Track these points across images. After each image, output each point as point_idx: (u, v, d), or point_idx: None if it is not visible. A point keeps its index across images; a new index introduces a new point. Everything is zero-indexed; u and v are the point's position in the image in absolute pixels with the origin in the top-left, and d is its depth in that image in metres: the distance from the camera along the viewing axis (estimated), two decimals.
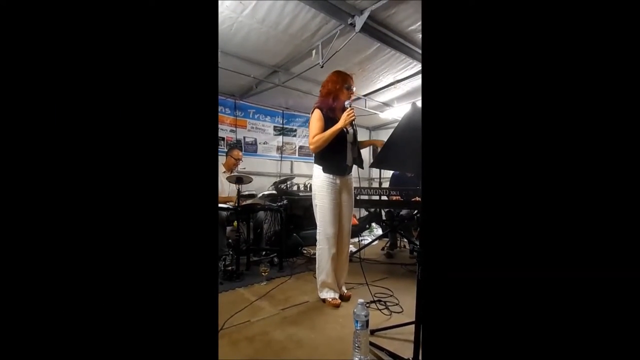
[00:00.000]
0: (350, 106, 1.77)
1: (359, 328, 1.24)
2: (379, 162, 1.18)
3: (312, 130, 1.81)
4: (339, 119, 1.77)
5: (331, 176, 1.83)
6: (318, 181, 1.84)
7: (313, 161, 1.92)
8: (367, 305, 1.83)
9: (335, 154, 1.83)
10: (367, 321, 1.26)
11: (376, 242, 3.56)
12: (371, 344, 1.34)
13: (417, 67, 2.99)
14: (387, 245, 3.40)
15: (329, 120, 1.80)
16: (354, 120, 1.76)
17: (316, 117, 1.82)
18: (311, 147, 1.83)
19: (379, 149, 3.02)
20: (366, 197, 2.89)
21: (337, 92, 1.84)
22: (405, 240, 3.54)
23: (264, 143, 4.13)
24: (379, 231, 4.25)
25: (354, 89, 1.87)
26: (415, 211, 3.22)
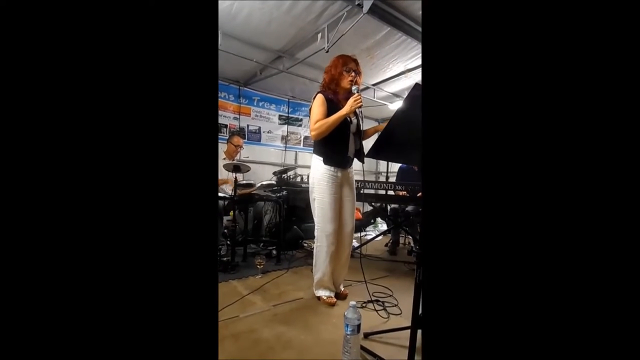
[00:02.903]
0: (357, 92, 1.61)
1: (349, 333, 1.14)
2: (377, 151, 1.05)
3: (314, 116, 1.65)
4: (341, 105, 1.62)
5: (332, 168, 1.69)
6: (317, 173, 1.71)
7: (312, 151, 1.80)
8: (364, 305, 1.74)
9: (337, 145, 1.69)
10: (359, 325, 1.16)
11: (380, 237, 3.45)
12: (363, 348, 1.24)
13: None
14: (391, 241, 3.28)
15: (332, 107, 1.65)
16: (360, 107, 1.60)
17: (319, 102, 1.66)
18: (312, 133, 1.66)
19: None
20: (372, 191, 2.77)
21: (339, 76, 1.68)
22: (409, 237, 3.41)
23: (268, 132, 4.03)
24: (383, 226, 4.14)
25: (356, 72, 1.70)
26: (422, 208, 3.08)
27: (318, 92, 1.70)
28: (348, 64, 1.69)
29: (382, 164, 5.20)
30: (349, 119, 1.69)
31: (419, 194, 2.77)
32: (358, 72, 1.70)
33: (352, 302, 1.18)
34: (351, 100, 1.57)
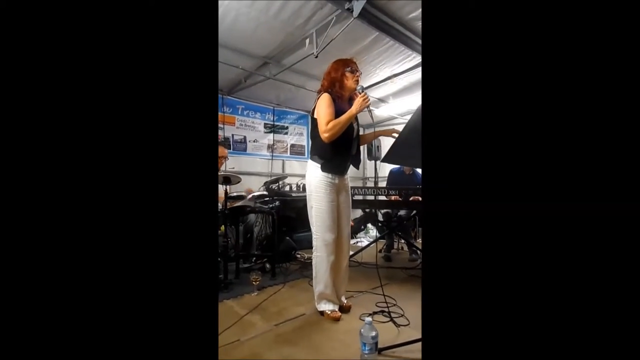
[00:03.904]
0: (362, 90, 1.56)
1: (367, 352, 1.06)
2: (391, 156, 1.01)
3: (324, 117, 1.55)
4: (346, 109, 1.55)
5: (330, 175, 1.62)
6: (315, 181, 1.64)
7: (307, 158, 1.72)
8: (371, 317, 1.66)
9: (340, 150, 1.62)
10: (376, 343, 1.08)
11: (372, 244, 3.40)
12: None
13: (416, 59, 2.84)
14: (385, 247, 3.24)
15: (338, 110, 1.58)
16: (368, 106, 1.54)
17: (327, 102, 1.57)
18: (325, 135, 1.55)
19: (376, 147, 2.89)
20: (360, 197, 2.73)
21: (341, 78, 1.62)
22: (402, 241, 3.39)
23: (253, 141, 3.92)
24: (374, 232, 4.10)
25: (359, 73, 1.66)
26: (414, 211, 3.08)
27: (323, 92, 1.63)
28: (349, 64, 1.64)
29: (370, 169, 5.20)
30: (352, 123, 1.63)
31: (412, 198, 2.75)
32: (359, 72, 1.67)
33: (368, 319, 1.11)
34: (359, 99, 1.52)
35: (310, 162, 1.68)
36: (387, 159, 1.05)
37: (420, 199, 2.59)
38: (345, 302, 1.80)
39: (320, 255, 1.65)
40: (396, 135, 1.76)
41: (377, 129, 1.77)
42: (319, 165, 1.63)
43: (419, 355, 1.25)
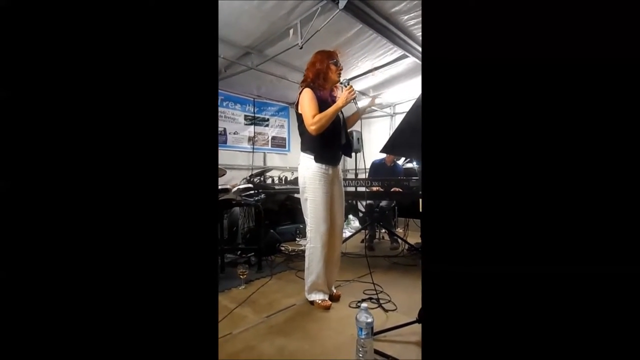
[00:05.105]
0: (348, 84, 1.59)
1: (363, 337, 1.10)
2: (391, 147, 1.04)
3: (310, 110, 1.57)
4: (330, 101, 1.58)
5: (324, 166, 1.64)
6: (309, 172, 1.65)
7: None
8: (359, 304, 1.71)
9: (330, 140, 1.65)
10: (372, 328, 1.12)
11: (357, 234, 3.46)
12: (376, 351, 1.20)
13: (397, 53, 2.89)
14: (367, 237, 3.32)
15: (320, 102, 1.61)
16: (354, 98, 1.57)
17: (309, 96, 1.59)
18: (312, 128, 1.57)
19: (356, 139, 2.93)
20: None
21: (326, 70, 1.64)
22: (384, 231, 3.48)
23: (234, 133, 3.82)
24: (355, 223, 4.18)
25: (341, 67, 1.69)
26: (394, 202, 3.18)
27: (305, 87, 1.64)
28: (334, 57, 1.66)
29: (350, 161, 5.25)
30: (338, 114, 1.65)
31: (393, 189, 2.83)
32: (341, 66, 1.70)
33: (364, 305, 1.14)
34: (345, 92, 1.55)
35: (302, 155, 1.68)
36: (387, 150, 1.08)
37: (400, 190, 2.67)
38: (335, 291, 1.84)
39: (314, 246, 1.67)
40: (377, 101, 1.81)
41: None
42: (312, 157, 1.64)
43: (410, 338, 1.32)
